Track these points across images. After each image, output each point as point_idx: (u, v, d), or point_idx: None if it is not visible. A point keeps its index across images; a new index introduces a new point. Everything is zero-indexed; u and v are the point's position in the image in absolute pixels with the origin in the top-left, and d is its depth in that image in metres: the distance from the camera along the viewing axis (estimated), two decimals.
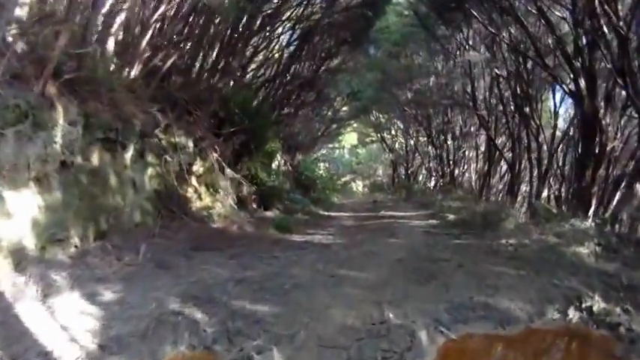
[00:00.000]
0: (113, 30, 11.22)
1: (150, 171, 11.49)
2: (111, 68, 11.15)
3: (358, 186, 54.92)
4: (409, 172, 42.80)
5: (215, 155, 14.32)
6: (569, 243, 9.55)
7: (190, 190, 13.31)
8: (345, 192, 42.29)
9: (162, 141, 12.13)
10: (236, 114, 16.05)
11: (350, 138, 54.35)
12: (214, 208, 13.76)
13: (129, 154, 10.60)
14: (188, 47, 15.19)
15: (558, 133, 22.11)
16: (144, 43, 11.63)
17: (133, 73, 11.69)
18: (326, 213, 20.63)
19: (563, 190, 21.73)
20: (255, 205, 17.26)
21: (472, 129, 30.33)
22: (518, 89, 20.78)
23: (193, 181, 13.57)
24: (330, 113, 40.94)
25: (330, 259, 9.26)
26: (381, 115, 42.77)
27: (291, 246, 10.96)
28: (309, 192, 26.84)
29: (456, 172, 30.43)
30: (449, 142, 31.09)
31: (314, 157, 38.94)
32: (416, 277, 7.85)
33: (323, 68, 27.32)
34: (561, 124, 23.99)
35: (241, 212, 15.14)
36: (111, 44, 11.29)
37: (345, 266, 8.68)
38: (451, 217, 16.21)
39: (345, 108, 41.30)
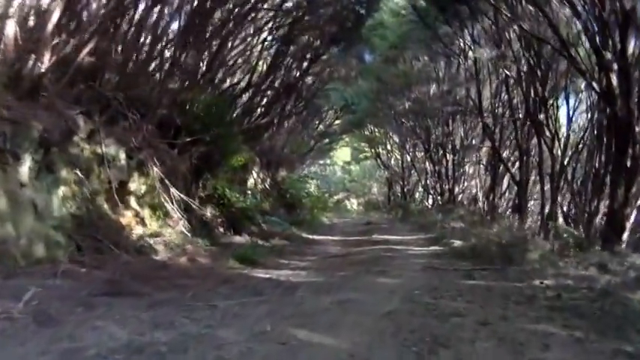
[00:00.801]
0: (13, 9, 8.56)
1: (63, 190, 8.75)
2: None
3: (353, 204, 52.45)
4: (405, 190, 40.14)
5: (155, 170, 11.44)
6: (630, 284, 6.83)
7: (128, 213, 10.59)
8: (339, 211, 40.36)
9: (84, 151, 9.42)
10: (196, 121, 13.39)
11: (343, 154, 51.77)
12: (163, 236, 10.98)
13: (25, 168, 7.87)
14: (125, 35, 12.48)
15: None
16: (50, 25, 8.80)
17: (41, 65, 8.86)
18: (310, 236, 18.10)
19: (574, 208, 19.22)
20: (222, 230, 14.58)
21: (474, 141, 27.73)
22: (531, 92, 18.22)
23: (132, 202, 10.85)
24: (321, 127, 38.61)
25: (288, 313, 6.37)
26: (376, 129, 40.20)
27: (244, 287, 8.14)
28: (294, 212, 24.39)
29: (456, 189, 27.74)
30: (448, 157, 28.40)
31: (303, 173, 36.33)
32: (414, 346, 4.98)
33: (310, 72, 24.72)
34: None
35: (200, 239, 12.38)
36: (11, 28, 8.61)
37: (307, 325, 5.76)
38: (457, 243, 13.64)
39: (337, 122, 39.25)
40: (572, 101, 21.18)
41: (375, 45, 26.13)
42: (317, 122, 38.39)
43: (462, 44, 22.14)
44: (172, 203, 11.83)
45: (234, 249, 12.18)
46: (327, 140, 41.66)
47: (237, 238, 14.32)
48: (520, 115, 20.55)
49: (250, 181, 19.79)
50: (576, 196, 19.37)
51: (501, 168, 23.14)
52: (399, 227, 22.84)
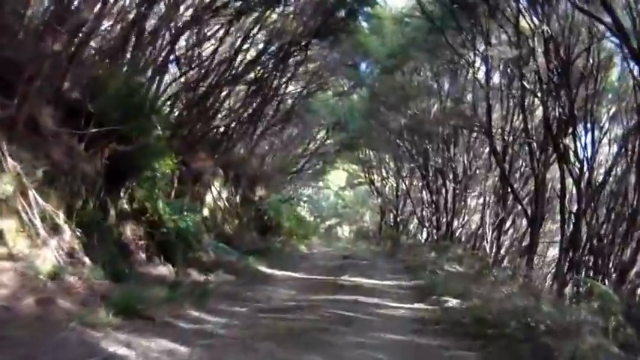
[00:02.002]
0: None
1: None
2: None
3: (344, 231, 50.47)
4: (398, 219, 36.82)
5: (13, 164, 7.80)
6: None
7: None
8: (329, 238, 38.10)
9: None
10: (112, 108, 9.87)
11: (337, 178, 48.71)
12: (22, 260, 7.44)
13: None
14: None
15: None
16: None
17: None
18: (268, 271, 14.53)
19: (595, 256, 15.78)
20: (146, 256, 11.06)
21: (478, 172, 24.33)
22: (555, 110, 14.97)
23: None
24: (311, 146, 35.29)
25: None
26: (370, 153, 37.01)
27: None
28: (270, 237, 21.28)
29: (455, 223, 24.24)
30: (448, 186, 24.94)
31: (290, 195, 32.95)
32: None
33: (294, 75, 21.33)
34: None
35: (99, 269, 8.87)
36: None
37: None
38: (453, 302, 10.20)
39: (329, 141, 35.84)
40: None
41: (372, 52, 22.99)
42: (307, 141, 35.10)
43: (472, 54, 18.84)
44: (34, 214, 8.20)
45: (138, 287, 8.68)
46: (316, 161, 38.42)
47: (162, 270, 10.84)
48: (535, 139, 17.32)
49: (209, 198, 16.29)
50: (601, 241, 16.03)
51: (509, 202, 19.79)
52: (382, 265, 19.53)
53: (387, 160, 37.06)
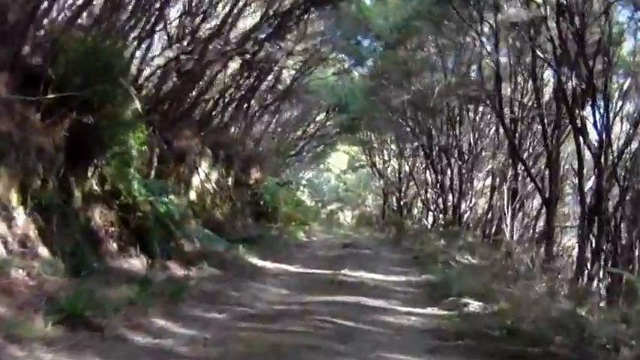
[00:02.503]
0: None
1: None
2: None
3: (347, 217, 47.89)
4: (402, 203, 35.30)
5: None
6: None
7: None
8: (330, 224, 35.50)
9: None
10: (74, 73, 8.44)
11: (339, 162, 47.23)
12: None
13: None
14: None
15: None
16: None
17: None
18: (260, 264, 13.00)
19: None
20: (118, 246, 9.69)
21: (484, 152, 22.95)
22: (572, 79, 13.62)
23: None
24: (310, 128, 34.09)
25: None
26: (372, 135, 35.57)
27: None
28: (269, 223, 20.21)
29: (463, 206, 22.79)
30: (453, 166, 23.53)
31: (287, 178, 31.52)
32: None
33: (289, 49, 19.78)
34: None
35: (56, 261, 7.55)
36: None
37: None
38: (475, 305, 8.59)
39: (329, 123, 34.60)
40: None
41: (374, 26, 21.56)
42: (306, 123, 33.94)
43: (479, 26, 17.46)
44: None
45: (102, 285, 7.32)
46: (315, 144, 37.29)
47: (135, 263, 9.50)
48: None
49: (195, 180, 14.87)
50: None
51: (519, 182, 18.46)
52: (386, 256, 17.84)
53: (389, 142, 35.75)
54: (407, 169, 33.84)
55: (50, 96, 7.95)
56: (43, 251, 7.58)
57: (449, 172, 24.17)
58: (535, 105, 17.00)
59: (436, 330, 7.46)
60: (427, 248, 17.68)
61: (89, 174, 9.35)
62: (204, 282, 9.48)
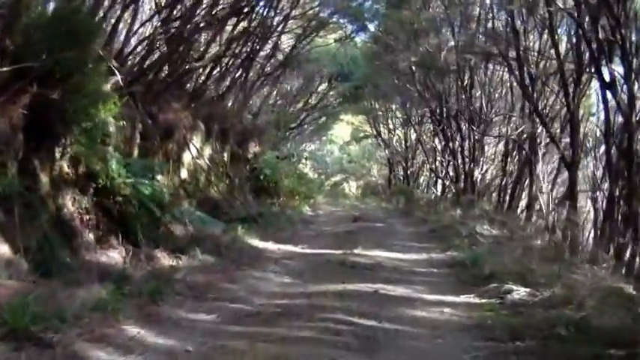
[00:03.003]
0: None
1: None
2: None
3: (351, 187, 47.13)
4: (409, 172, 34.04)
5: None
6: None
7: None
8: (335, 196, 34.53)
9: None
10: (35, 41, 7.14)
11: (342, 133, 46.99)
12: None
13: None
14: None
15: None
16: None
17: None
18: (261, 246, 11.66)
19: None
20: (95, 236, 8.44)
21: (495, 118, 21.59)
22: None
23: None
24: (312, 100, 33.10)
25: None
26: (376, 103, 34.47)
27: None
28: (267, 199, 19.26)
29: (475, 173, 21.47)
30: (464, 131, 22.19)
31: (289, 151, 30.28)
32: None
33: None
34: None
35: (18, 259, 6.35)
36: None
37: None
38: (521, 292, 6.92)
39: (331, 93, 33.69)
40: None
41: None
42: (308, 94, 32.60)
43: None
44: None
45: (71, 285, 6.11)
46: (319, 115, 36.32)
47: (113, 255, 8.22)
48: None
49: (187, 157, 13.54)
50: None
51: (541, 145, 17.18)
52: (401, 229, 16.58)
53: (394, 109, 34.53)
54: (414, 137, 32.71)
55: (5, 69, 6.68)
56: (3, 249, 6.40)
57: (459, 137, 22.82)
58: (553, 60, 15.55)
59: (482, 327, 5.99)
60: (443, 219, 16.50)
61: (57, 155, 8.05)
62: (194, 273, 8.20)
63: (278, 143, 26.43)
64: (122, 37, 11.76)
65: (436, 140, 28.09)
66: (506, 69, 18.40)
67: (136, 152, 10.71)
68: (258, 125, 22.15)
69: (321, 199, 28.07)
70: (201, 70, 14.95)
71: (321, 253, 11.20)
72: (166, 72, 12.31)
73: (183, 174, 13.24)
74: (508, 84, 20.29)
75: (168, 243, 9.45)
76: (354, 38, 26.80)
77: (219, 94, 17.32)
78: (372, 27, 24.90)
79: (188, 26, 12.05)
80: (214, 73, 16.31)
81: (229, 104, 18.50)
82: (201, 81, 15.48)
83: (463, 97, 21.26)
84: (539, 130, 17.04)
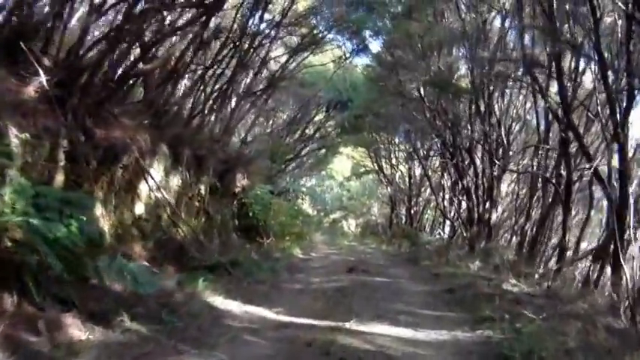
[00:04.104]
0: None
1: None
2: None
3: (350, 225, 45.90)
4: (412, 212, 31.23)
5: None
6: None
7: None
8: (334, 234, 33.30)
9: None
10: None
11: (342, 167, 44.99)
12: None
13: None
14: None
15: None
16: None
17: None
18: (224, 307, 8.61)
19: None
20: None
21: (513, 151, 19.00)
22: None
23: None
24: (309, 130, 31.28)
25: None
26: (377, 135, 32.02)
27: None
28: (260, 239, 16.90)
29: (494, 216, 18.61)
30: (480, 166, 19.51)
31: (284, 186, 27.71)
32: None
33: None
34: None
35: None
36: None
37: None
38: None
39: (329, 123, 31.81)
40: None
41: None
42: (305, 122, 30.58)
43: None
44: None
45: None
46: (317, 146, 34.18)
47: None
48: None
49: (144, 188, 10.70)
50: None
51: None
52: (407, 287, 12.80)
53: (397, 143, 32.65)
54: (418, 172, 30.75)
55: None
56: None
57: (471, 172, 20.13)
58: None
59: None
60: (459, 272, 13.55)
61: None
62: (103, 356, 5.45)
63: (273, 177, 23.83)
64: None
65: (445, 176, 25.45)
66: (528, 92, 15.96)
67: (60, 179, 7.95)
68: (246, 154, 19.36)
69: (318, 237, 26.26)
70: (165, 80, 12.14)
71: (300, 324, 8.06)
72: (108, 75, 9.45)
73: (139, 209, 10.42)
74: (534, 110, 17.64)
75: (87, 305, 6.65)
76: (353, 59, 24.26)
77: (193, 113, 14.53)
78: (374, 47, 22.53)
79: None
80: (182, 84, 13.54)
81: (207, 127, 15.68)
82: (166, 93, 12.56)
83: (480, 125, 18.50)
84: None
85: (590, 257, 14.09)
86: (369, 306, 9.56)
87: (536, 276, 12.90)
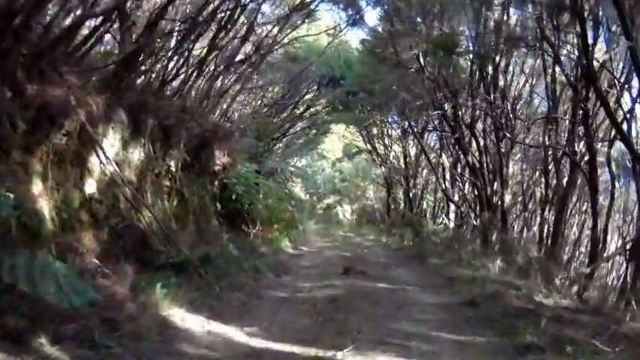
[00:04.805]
0: None
1: None
2: None
3: (346, 212, 45.64)
4: (410, 195, 29.57)
5: None
6: None
7: None
8: (328, 222, 33.01)
9: None
10: None
11: (333, 148, 43.80)
12: None
13: None
14: None
15: None
16: None
17: None
18: (181, 324, 6.61)
19: None
20: None
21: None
22: None
23: None
24: (300, 108, 30.43)
25: None
26: (371, 113, 29.79)
27: None
28: (244, 225, 15.74)
29: (506, 198, 16.78)
30: (490, 142, 17.79)
31: (272, 166, 25.80)
32: None
33: None
34: None
35: None
36: None
37: None
38: None
39: (321, 101, 30.57)
40: None
41: None
42: (295, 100, 29.21)
43: None
44: None
45: None
46: (308, 124, 33.16)
47: None
48: None
49: (94, 162, 8.69)
50: None
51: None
52: (416, 298, 10.17)
53: (391, 121, 30.99)
54: (413, 152, 29.48)
55: None
56: None
57: (473, 148, 18.41)
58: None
59: None
60: (477, 276, 11.46)
61: None
62: None
63: (260, 156, 22.02)
64: None
65: (443, 155, 23.67)
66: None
67: None
68: (226, 128, 17.47)
69: (311, 226, 25.23)
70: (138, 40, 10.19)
71: (277, 353, 6.02)
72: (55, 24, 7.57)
73: (90, 188, 8.49)
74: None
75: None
76: (347, 31, 23.16)
77: (166, 79, 12.62)
78: (371, 19, 20.92)
79: None
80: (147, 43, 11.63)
81: (181, 96, 13.74)
82: (129, 53, 10.55)
83: (484, 95, 16.70)
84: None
85: (622, 255, 12.39)
86: (369, 326, 7.39)
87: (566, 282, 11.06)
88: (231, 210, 15.56)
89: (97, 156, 8.56)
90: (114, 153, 9.12)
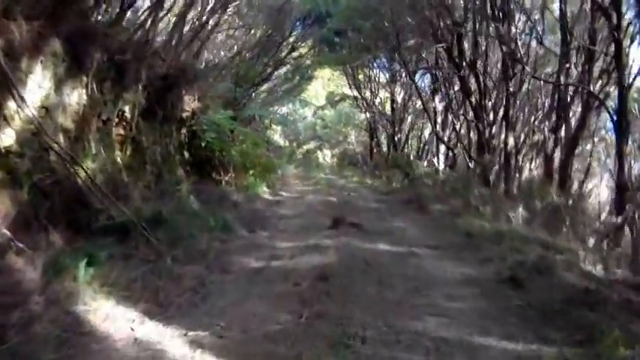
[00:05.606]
0: None
1: None
2: None
3: (326, 156, 43.97)
4: (396, 138, 28.83)
5: None
6: None
7: None
8: (308, 166, 30.75)
9: None
10: None
11: (316, 95, 41.80)
12: None
13: None
14: None
15: None
16: None
17: None
18: (105, 325, 4.51)
19: None
20: None
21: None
22: None
23: None
24: (283, 52, 27.28)
25: None
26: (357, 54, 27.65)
27: None
28: (215, 173, 14.34)
29: (510, 141, 15.19)
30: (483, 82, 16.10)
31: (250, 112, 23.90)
32: None
33: None
34: None
35: None
36: None
37: None
38: None
39: (304, 44, 28.07)
40: None
41: None
42: (277, 42, 25.99)
43: None
44: None
45: None
46: (290, 69, 30.06)
47: None
48: None
49: (11, 106, 6.48)
50: None
51: None
52: (431, 265, 7.75)
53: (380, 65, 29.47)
54: (401, 96, 28.38)
55: None
56: None
57: (480, 90, 16.67)
58: None
59: None
60: (504, 230, 9.41)
61: None
62: None
63: (238, 103, 20.13)
64: None
65: (435, 98, 22.02)
66: None
67: None
68: (198, 69, 15.49)
69: (291, 171, 24.11)
70: None
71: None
72: None
73: (7, 139, 6.50)
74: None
75: None
76: None
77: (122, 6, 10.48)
78: None
79: None
80: None
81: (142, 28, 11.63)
82: None
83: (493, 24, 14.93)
84: None
85: None
86: (377, 326, 5.10)
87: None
88: (200, 158, 14.09)
89: (15, 100, 6.54)
90: (43, 95, 7.10)
